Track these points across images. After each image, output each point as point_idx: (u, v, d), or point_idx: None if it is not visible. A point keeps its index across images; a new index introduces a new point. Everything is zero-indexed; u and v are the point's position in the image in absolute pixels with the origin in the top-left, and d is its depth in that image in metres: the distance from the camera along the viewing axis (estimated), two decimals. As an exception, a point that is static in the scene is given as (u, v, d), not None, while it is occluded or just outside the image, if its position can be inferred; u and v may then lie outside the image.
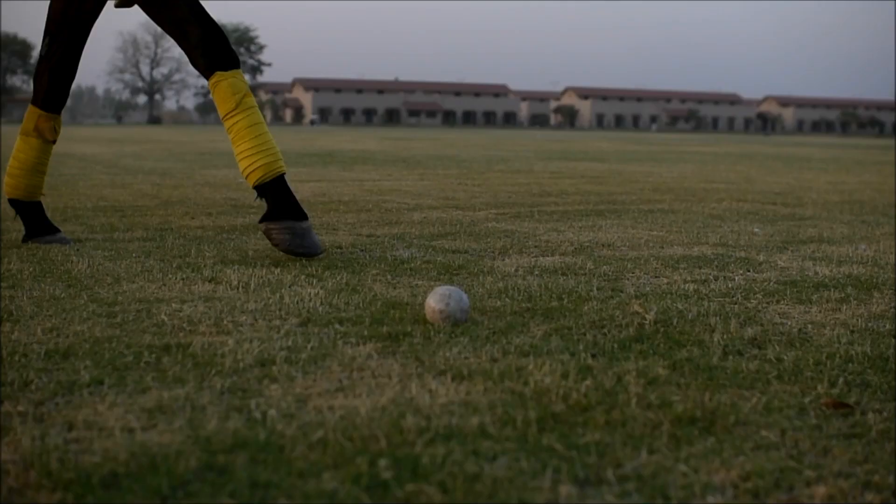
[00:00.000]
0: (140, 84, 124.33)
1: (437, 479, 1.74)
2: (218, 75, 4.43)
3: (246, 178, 4.44)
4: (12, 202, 4.93)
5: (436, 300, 3.04)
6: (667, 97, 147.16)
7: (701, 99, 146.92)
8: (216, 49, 4.43)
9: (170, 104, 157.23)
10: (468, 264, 4.32)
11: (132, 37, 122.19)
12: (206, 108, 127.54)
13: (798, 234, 5.83)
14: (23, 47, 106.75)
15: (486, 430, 2.01)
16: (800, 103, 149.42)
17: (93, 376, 2.38)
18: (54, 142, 4.92)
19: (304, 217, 4.38)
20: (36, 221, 4.91)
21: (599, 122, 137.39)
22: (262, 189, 4.41)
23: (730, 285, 3.87)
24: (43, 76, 4.77)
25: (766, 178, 12.76)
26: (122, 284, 3.69)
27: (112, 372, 2.44)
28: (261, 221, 4.38)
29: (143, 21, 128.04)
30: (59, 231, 4.97)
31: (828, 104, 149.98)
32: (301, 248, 4.31)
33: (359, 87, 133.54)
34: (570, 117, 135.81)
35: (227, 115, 4.43)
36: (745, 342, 2.87)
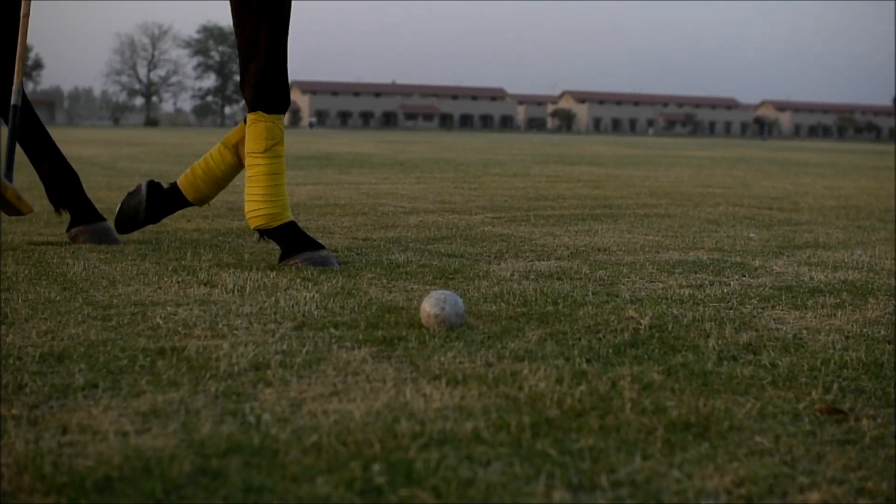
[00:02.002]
0: (137, 86, 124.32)
1: (431, 484, 1.74)
2: (259, 115, 4.38)
3: (248, 219, 4.46)
4: (175, 188, 4.83)
5: (431, 304, 3.04)
6: (664, 101, 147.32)
7: (698, 103, 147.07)
8: (270, 89, 4.37)
9: (167, 106, 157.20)
10: (464, 268, 4.32)
11: (129, 39, 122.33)
12: (203, 111, 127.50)
13: (794, 240, 5.84)
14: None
15: (480, 435, 2.01)
16: (797, 108, 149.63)
17: (87, 379, 2.38)
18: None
19: (321, 246, 4.39)
20: (158, 208, 4.82)
21: (596, 125, 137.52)
22: (268, 233, 4.42)
23: (725, 290, 3.88)
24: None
25: (762, 182, 12.77)
26: (117, 287, 3.69)
27: (106, 375, 2.43)
28: (280, 262, 4.37)
29: (140, 23, 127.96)
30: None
31: (825, 109, 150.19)
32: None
33: (356, 90, 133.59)
34: (567, 121, 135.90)
35: (252, 153, 4.40)
36: (739, 348, 2.87)
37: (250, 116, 4.42)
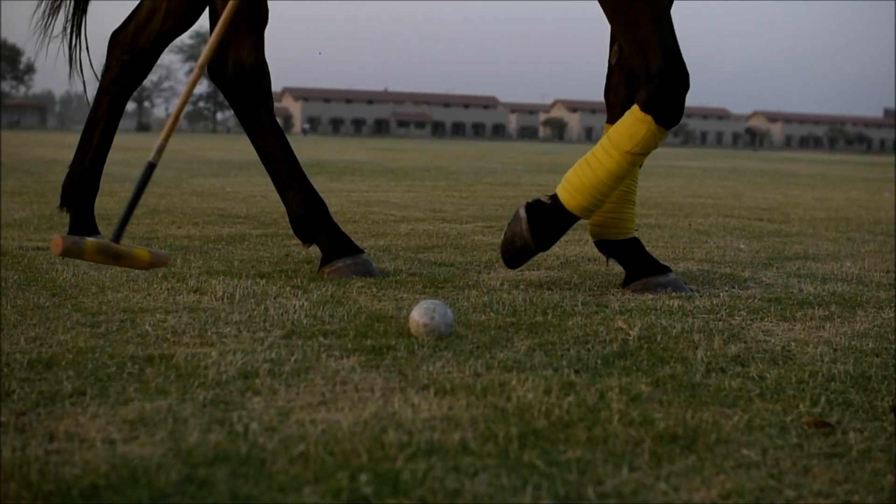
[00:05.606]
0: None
1: (418, 494, 1.74)
2: (648, 120, 3.79)
3: (558, 189, 3.99)
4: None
5: (420, 314, 3.04)
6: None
7: (690, 113, 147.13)
8: (666, 98, 3.80)
9: (159, 111, 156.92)
10: (454, 277, 4.33)
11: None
12: (195, 117, 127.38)
13: (783, 251, 5.85)
14: (12, 53, 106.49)
15: (467, 446, 2.01)
16: (788, 119, 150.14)
17: (75, 387, 2.38)
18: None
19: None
20: (639, 263, 4.16)
21: (588, 135, 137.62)
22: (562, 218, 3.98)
23: (714, 302, 3.88)
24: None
25: (753, 193, 12.81)
26: (106, 294, 3.68)
27: (95, 382, 2.43)
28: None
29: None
30: None
31: (816, 120, 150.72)
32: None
33: (348, 97, 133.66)
34: (558, 130, 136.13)
35: (618, 148, 3.87)
36: (728, 359, 2.88)
37: (638, 114, 3.82)
